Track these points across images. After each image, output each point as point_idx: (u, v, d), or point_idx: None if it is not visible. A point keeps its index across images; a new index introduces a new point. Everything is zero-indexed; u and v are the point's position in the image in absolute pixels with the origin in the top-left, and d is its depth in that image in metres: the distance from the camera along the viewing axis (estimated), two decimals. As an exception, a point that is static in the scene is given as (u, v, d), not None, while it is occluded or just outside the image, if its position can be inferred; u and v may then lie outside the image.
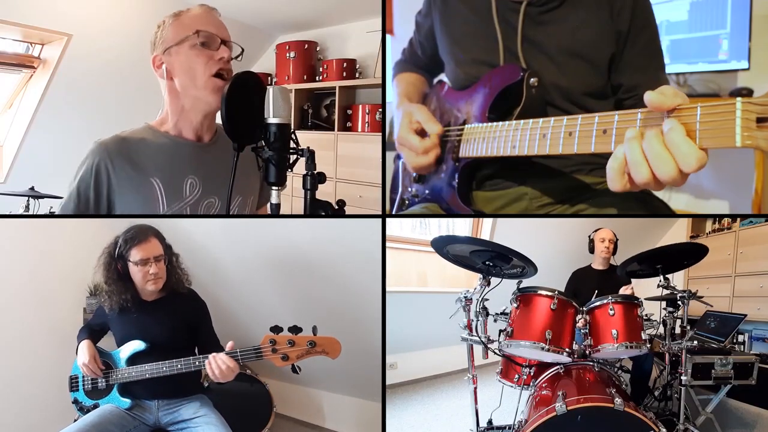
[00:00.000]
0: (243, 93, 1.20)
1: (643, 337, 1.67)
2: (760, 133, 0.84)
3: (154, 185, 1.37)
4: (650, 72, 0.95)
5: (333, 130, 3.94)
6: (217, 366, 1.53)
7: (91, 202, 1.34)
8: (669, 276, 1.86)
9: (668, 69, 2.84)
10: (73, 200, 1.34)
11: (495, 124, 1.38)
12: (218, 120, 1.45)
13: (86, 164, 1.34)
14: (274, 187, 1.21)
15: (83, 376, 1.76)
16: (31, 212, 3.02)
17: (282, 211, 1.23)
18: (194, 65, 1.37)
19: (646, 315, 1.86)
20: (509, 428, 1.84)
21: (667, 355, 2.06)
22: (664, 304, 2.10)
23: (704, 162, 0.89)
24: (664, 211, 1.51)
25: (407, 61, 1.87)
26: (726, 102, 0.86)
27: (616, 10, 1.43)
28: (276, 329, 1.54)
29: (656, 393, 2.26)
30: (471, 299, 1.77)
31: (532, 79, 1.40)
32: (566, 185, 1.52)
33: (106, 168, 1.33)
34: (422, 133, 1.55)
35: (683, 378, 1.79)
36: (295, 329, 1.54)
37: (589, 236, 2.54)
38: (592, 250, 2.53)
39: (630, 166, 0.97)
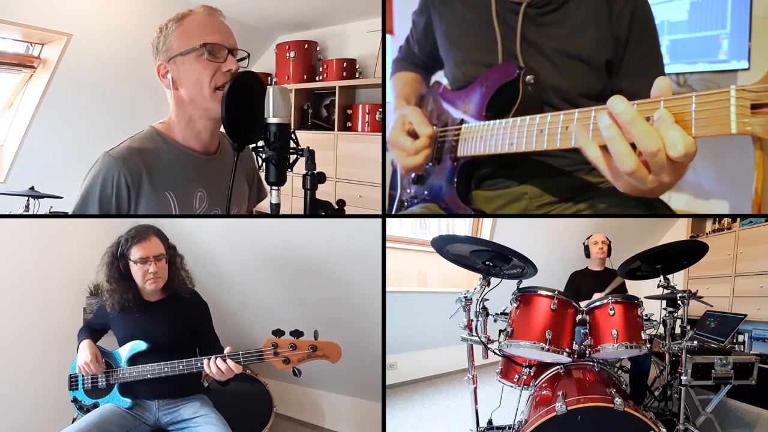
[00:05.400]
0: (243, 93, 1.20)
1: (643, 337, 1.67)
2: (755, 119, 0.85)
3: (168, 198, 1.37)
4: (651, 77, 0.96)
5: (333, 130, 3.94)
6: (216, 368, 1.54)
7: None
8: (669, 276, 1.86)
9: (668, 69, 2.85)
10: (93, 212, 1.32)
11: (492, 122, 1.38)
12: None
13: (103, 178, 1.31)
14: (274, 187, 1.21)
15: (83, 375, 1.76)
16: (31, 212, 3.02)
17: (282, 211, 1.23)
18: (201, 77, 1.34)
19: (646, 315, 1.86)
20: (509, 428, 1.84)
21: (667, 355, 2.06)
22: (664, 304, 2.10)
23: (692, 148, 0.89)
24: (664, 211, 1.51)
25: (404, 59, 1.87)
26: (720, 90, 0.87)
27: (615, 14, 1.43)
28: (278, 333, 1.54)
29: (656, 393, 2.26)
30: (471, 299, 1.76)
31: (528, 77, 1.40)
32: (566, 184, 1.52)
33: (126, 185, 1.31)
34: (414, 135, 1.56)
35: (683, 378, 1.79)
36: (297, 333, 1.54)
37: (584, 243, 2.64)
38: (588, 255, 2.63)
39: (613, 155, 0.97)
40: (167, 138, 1.42)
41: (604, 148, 1.01)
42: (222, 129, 1.45)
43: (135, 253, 1.69)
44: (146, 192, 1.34)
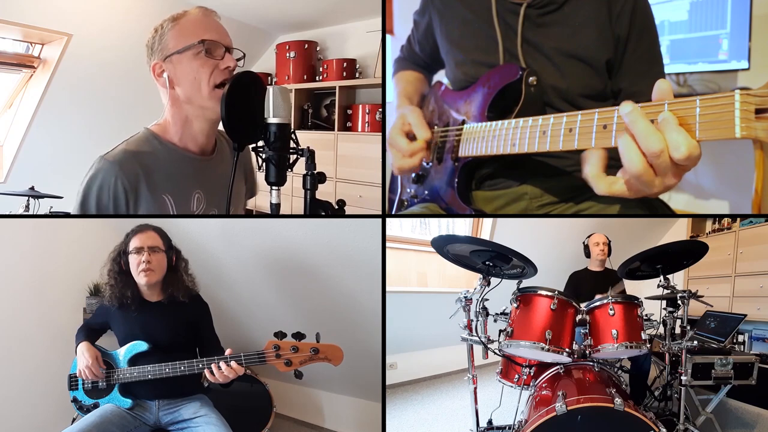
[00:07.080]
0: (243, 93, 1.20)
1: (643, 337, 1.67)
2: (759, 124, 0.85)
3: (166, 202, 1.36)
4: (650, 77, 0.97)
5: (333, 130, 3.95)
6: (220, 371, 1.53)
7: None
8: (669, 276, 1.86)
9: (668, 69, 2.85)
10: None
11: (494, 123, 1.38)
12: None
13: (100, 183, 1.29)
14: (274, 187, 1.21)
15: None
16: (31, 212, 3.02)
17: (282, 211, 1.23)
18: (199, 75, 1.33)
19: (646, 315, 1.86)
20: (509, 428, 1.84)
21: (667, 355, 2.06)
22: (664, 304, 2.10)
23: (696, 151, 0.89)
24: (664, 211, 1.51)
25: (406, 58, 1.87)
26: (725, 94, 0.87)
27: (615, 14, 1.44)
28: (280, 335, 1.54)
29: (656, 393, 2.26)
30: (471, 299, 1.76)
31: (530, 78, 1.40)
32: (566, 184, 1.52)
33: (124, 190, 1.29)
34: (412, 136, 1.56)
35: (683, 378, 1.79)
36: (299, 335, 1.53)
37: (584, 242, 2.64)
38: (588, 255, 2.63)
39: (622, 156, 0.97)
40: (163, 140, 1.41)
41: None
42: (219, 129, 1.46)
43: (132, 244, 1.73)
44: (144, 196, 1.33)
